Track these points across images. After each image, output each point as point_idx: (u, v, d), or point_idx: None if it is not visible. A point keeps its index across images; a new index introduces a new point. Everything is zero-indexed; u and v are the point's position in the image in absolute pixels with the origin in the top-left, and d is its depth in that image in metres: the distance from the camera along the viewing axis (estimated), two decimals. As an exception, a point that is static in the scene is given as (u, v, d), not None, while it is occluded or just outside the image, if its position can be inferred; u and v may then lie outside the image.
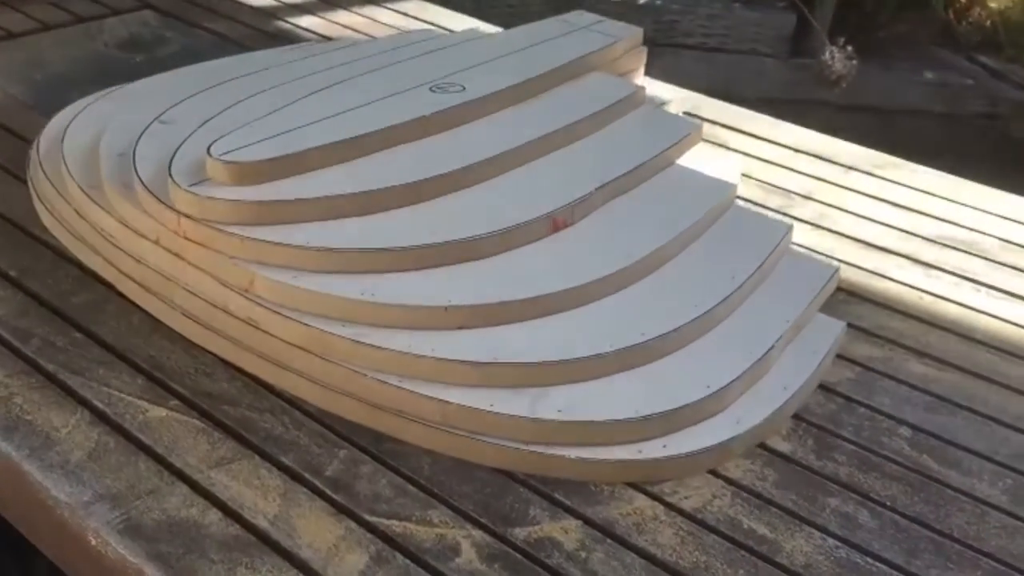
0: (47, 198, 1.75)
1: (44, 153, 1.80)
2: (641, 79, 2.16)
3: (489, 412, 1.31)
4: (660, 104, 2.08)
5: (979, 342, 1.65)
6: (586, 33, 2.06)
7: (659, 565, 1.20)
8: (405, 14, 2.85)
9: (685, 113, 2.30)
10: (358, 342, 1.36)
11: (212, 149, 1.48)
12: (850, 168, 2.18)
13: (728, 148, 2.22)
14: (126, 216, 1.57)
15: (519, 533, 1.23)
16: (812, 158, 2.21)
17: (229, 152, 1.48)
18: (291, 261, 1.42)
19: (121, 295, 1.60)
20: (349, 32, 2.70)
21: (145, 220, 1.53)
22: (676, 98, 2.32)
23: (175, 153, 1.53)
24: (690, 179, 1.77)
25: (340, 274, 1.42)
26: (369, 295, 1.39)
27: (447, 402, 1.32)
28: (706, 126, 2.30)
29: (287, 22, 2.73)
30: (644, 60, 2.16)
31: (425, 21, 2.80)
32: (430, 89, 1.74)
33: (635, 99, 1.90)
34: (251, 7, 2.79)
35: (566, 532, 1.24)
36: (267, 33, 2.65)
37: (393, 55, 1.92)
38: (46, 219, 1.75)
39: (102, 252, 1.62)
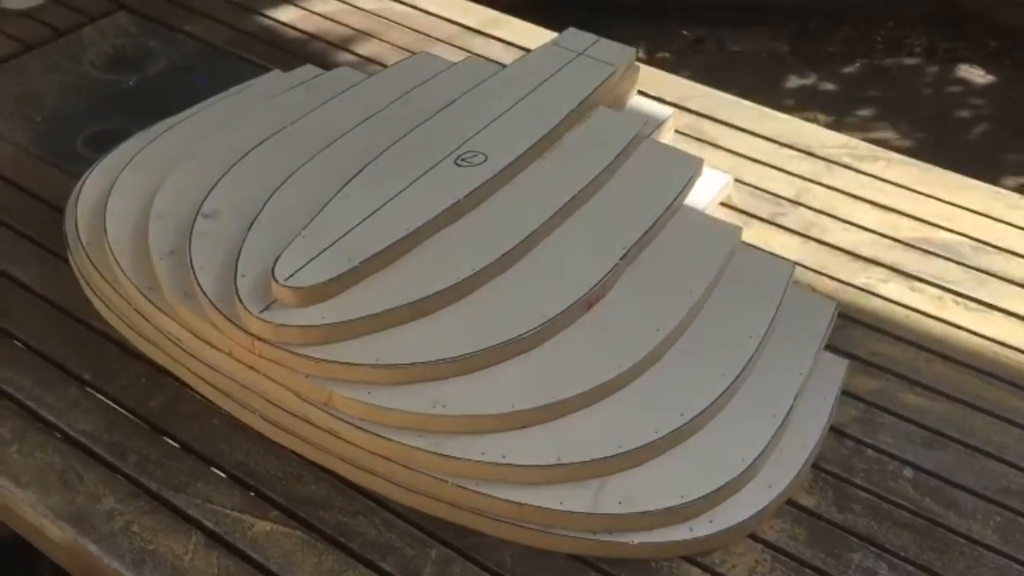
0: (101, 291, 1.84)
1: (87, 240, 1.88)
2: (634, 94, 2.26)
3: (559, 510, 1.51)
4: (659, 123, 2.18)
5: (963, 364, 1.87)
6: (584, 62, 2.14)
7: (721, 642, 1.44)
8: (380, -6, 2.86)
9: (674, 106, 2.43)
10: (435, 453, 1.53)
11: (276, 273, 1.59)
12: (831, 163, 2.33)
13: (718, 147, 2.35)
14: (193, 326, 1.68)
15: (599, 621, 1.45)
16: (795, 152, 2.36)
17: (293, 275, 1.59)
18: (364, 377, 1.57)
19: (195, 391, 1.73)
20: (328, 25, 2.72)
21: (215, 332, 1.65)
22: (667, 97, 2.43)
23: (236, 271, 1.63)
24: (698, 225, 1.91)
25: (411, 385, 1.57)
26: (440, 407, 1.54)
27: (521, 503, 1.51)
28: (694, 120, 2.45)
29: (266, 17, 2.74)
30: (637, 77, 2.25)
31: (403, 3, 2.83)
32: (455, 162, 1.84)
33: (640, 136, 2.01)
34: (228, 2, 2.78)
35: (639, 616, 1.46)
36: (249, 34, 2.66)
37: (405, 112, 1.99)
38: (103, 311, 1.85)
39: (170, 353, 1.74)
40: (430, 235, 1.73)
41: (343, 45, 2.64)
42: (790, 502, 1.62)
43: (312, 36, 2.67)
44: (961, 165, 4.42)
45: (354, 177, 1.79)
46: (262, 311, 1.58)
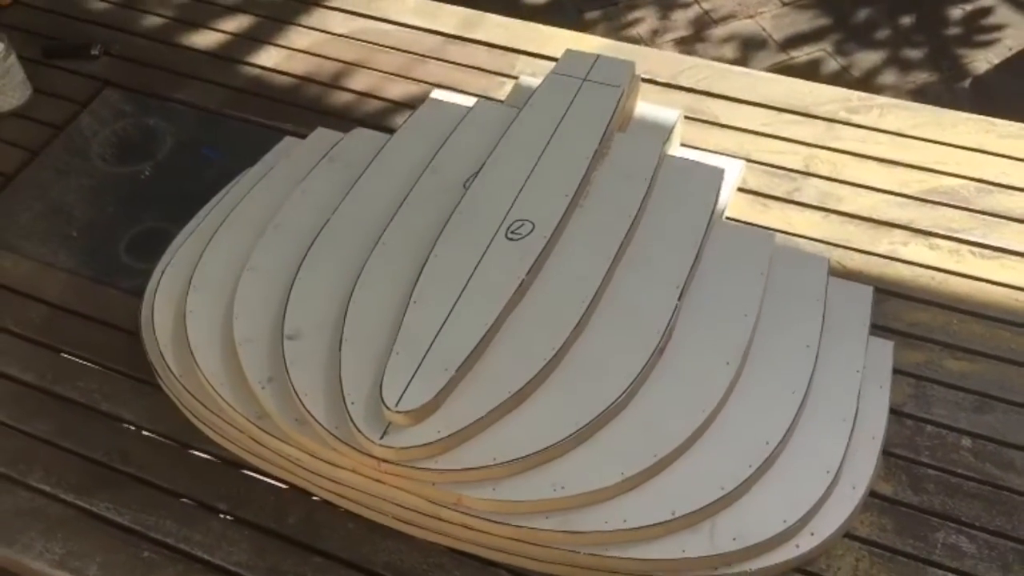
0: (208, 420, 1.98)
1: (179, 373, 1.99)
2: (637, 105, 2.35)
3: (682, 557, 1.72)
4: (670, 130, 2.28)
5: (991, 319, 2.06)
6: (590, 89, 2.22)
7: (845, 643, 1.68)
8: (354, 12, 2.88)
9: (668, 85, 2.53)
10: (563, 531, 1.72)
11: (386, 400, 1.73)
12: (830, 121, 2.46)
13: (722, 126, 2.47)
14: (313, 450, 1.84)
15: (739, 647, 1.68)
16: (794, 116, 2.48)
17: (401, 399, 1.73)
18: (486, 476, 1.74)
19: (324, 500, 1.90)
20: (313, 61, 2.75)
21: (337, 456, 1.81)
22: (659, 77, 2.52)
23: (344, 399, 1.77)
24: (734, 240, 2.06)
25: (528, 473, 1.75)
26: (560, 489, 1.73)
27: (648, 559, 1.72)
28: (691, 99, 2.55)
29: (251, 66, 2.76)
30: (639, 86, 2.33)
31: (377, 18, 2.85)
32: (506, 237, 1.96)
33: (662, 157, 2.13)
34: (206, 55, 2.79)
35: (771, 635, 1.69)
36: (240, 90, 2.69)
37: (437, 184, 2.09)
38: (213, 436, 2.00)
39: (294, 471, 1.90)
40: (504, 320, 1.87)
41: (335, 83, 2.68)
42: (872, 494, 1.83)
43: (301, 79, 2.71)
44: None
45: (420, 277, 1.90)
46: (382, 437, 1.73)
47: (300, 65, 2.74)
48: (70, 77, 2.76)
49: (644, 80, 2.54)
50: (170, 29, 2.87)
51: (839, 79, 3.93)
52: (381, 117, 2.56)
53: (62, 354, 2.15)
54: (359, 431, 1.75)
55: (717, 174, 2.13)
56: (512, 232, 1.97)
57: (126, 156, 2.58)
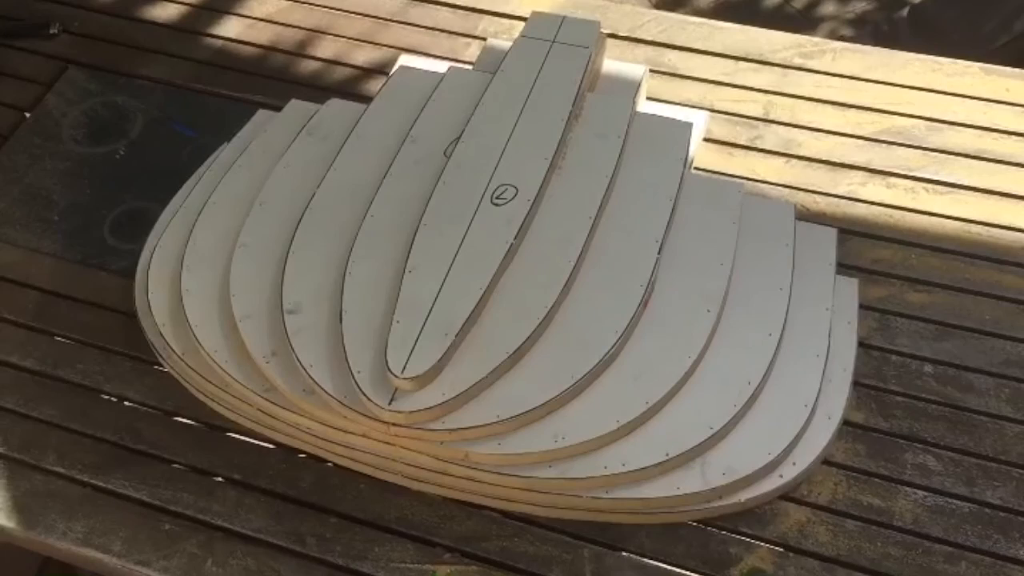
0: (214, 395, 2.06)
1: (181, 351, 2.06)
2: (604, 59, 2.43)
3: (678, 494, 1.85)
4: (638, 85, 2.36)
5: (947, 251, 2.20)
6: (559, 51, 2.29)
7: (830, 561, 1.82)
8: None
9: (627, 39, 2.61)
10: (566, 478, 1.84)
11: (392, 368, 1.82)
12: (786, 67, 2.56)
13: (683, 77, 2.56)
14: (323, 418, 1.93)
15: (734, 573, 1.83)
16: (751, 64, 2.57)
17: (406, 366, 1.82)
18: (491, 432, 1.84)
19: (335, 463, 1.99)
20: (276, 30, 2.77)
21: (347, 422, 1.90)
22: (620, 31, 2.60)
23: (351, 369, 1.86)
24: (704, 191, 2.16)
25: (530, 427, 1.86)
26: (561, 440, 1.84)
27: (647, 498, 1.85)
28: (652, 52, 2.63)
29: (215, 38, 2.77)
30: (605, 44, 2.41)
31: (335, -17, 2.88)
32: (492, 202, 2.04)
33: (632, 115, 2.22)
34: (167, 29, 2.80)
35: (762, 559, 1.84)
36: (206, 63, 2.71)
37: (418, 153, 2.15)
38: (220, 410, 2.07)
39: (305, 439, 1.99)
40: (497, 283, 1.96)
41: (300, 51, 2.71)
42: (846, 423, 1.97)
43: (267, 48, 2.73)
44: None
45: (412, 247, 1.98)
46: (390, 403, 1.83)
47: (263, 34, 2.77)
48: (30, 57, 2.75)
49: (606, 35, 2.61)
50: (128, 3, 2.87)
51: (780, 11, 4.02)
52: (351, 84, 2.60)
53: (59, 339, 2.20)
54: (368, 399, 1.83)
55: (686, 128, 2.23)
56: (497, 198, 2.05)
57: (99, 136, 2.59)
